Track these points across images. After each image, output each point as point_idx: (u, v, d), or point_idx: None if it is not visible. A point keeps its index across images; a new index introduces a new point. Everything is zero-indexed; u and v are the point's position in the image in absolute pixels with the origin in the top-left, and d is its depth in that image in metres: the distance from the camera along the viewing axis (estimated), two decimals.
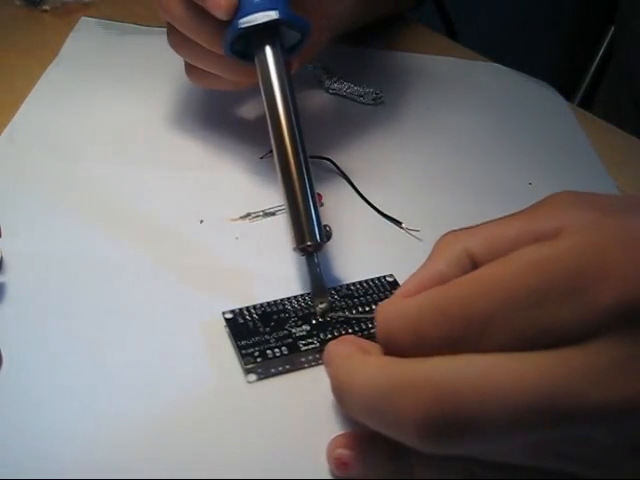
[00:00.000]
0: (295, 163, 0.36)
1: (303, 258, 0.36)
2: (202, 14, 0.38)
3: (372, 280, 0.37)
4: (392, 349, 0.26)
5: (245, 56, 0.39)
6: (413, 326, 0.25)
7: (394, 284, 0.37)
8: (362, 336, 0.33)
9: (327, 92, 0.54)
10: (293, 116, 0.38)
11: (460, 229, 0.29)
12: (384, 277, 0.37)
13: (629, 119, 0.70)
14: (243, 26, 0.37)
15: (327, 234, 0.37)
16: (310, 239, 0.35)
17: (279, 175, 0.37)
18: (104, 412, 0.30)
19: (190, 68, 0.44)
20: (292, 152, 0.37)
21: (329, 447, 0.29)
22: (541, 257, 0.23)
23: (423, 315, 0.25)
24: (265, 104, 0.38)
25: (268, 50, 0.38)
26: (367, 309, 0.35)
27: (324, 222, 0.41)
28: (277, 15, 0.37)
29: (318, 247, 0.35)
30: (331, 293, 0.36)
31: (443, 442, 0.23)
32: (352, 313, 0.35)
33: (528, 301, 0.23)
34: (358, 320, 0.35)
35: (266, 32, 0.38)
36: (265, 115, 0.38)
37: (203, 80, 0.45)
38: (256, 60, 0.39)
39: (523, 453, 0.25)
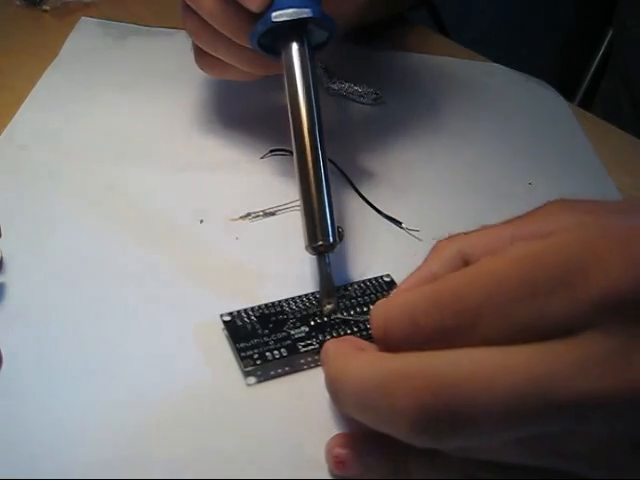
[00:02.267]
0: (313, 161, 0.37)
1: (306, 259, 0.36)
2: (232, 4, 0.38)
3: (369, 280, 0.37)
4: (387, 343, 0.26)
5: (266, 50, 0.40)
6: (408, 316, 0.25)
7: (391, 284, 0.37)
8: (361, 337, 0.33)
9: (327, 92, 0.54)
10: (315, 114, 0.38)
11: (456, 234, 0.29)
12: (381, 277, 0.37)
13: (628, 119, 0.70)
14: (276, 20, 0.37)
15: (339, 235, 0.37)
16: (322, 238, 0.35)
17: (296, 171, 0.37)
18: (104, 413, 0.30)
19: (202, 56, 0.44)
20: (311, 149, 0.37)
21: (327, 446, 0.29)
22: (532, 251, 0.24)
23: (417, 306, 0.25)
24: (288, 100, 0.38)
25: (295, 47, 0.39)
26: (365, 309, 0.35)
27: None
28: (310, 13, 0.37)
29: (330, 247, 0.35)
30: None
31: (436, 435, 0.23)
32: (350, 314, 0.35)
33: (518, 292, 0.23)
34: (357, 321, 0.35)
35: (296, 29, 0.38)
36: (287, 112, 0.39)
37: (215, 69, 0.45)
38: (283, 56, 0.39)
39: (521, 452, 0.25)
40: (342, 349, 0.28)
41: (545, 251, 0.24)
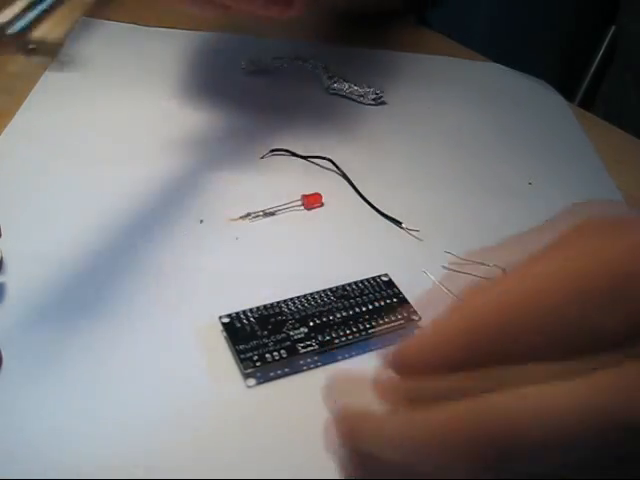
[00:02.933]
0: None
1: (305, 259, 0.36)
2: None
3: (367, 280, 0.37)
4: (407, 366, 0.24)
5: None
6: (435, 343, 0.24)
7: (389, 284, 0.37)
8: (360, 336, 0.33)
9: (327, 92, 0.54)
10: None
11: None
12: (379, 277, 0.37)
13: (629, 119, 0.69)
14: None
15: None
16: None
17: None
18: (103, 414, 0.30)
19: None
20: None
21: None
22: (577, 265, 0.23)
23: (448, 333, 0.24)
24: None
25: None
26: (363, 309, 0.35)
27: (325, 222, 0.41)
28: None
29: None
30: (327, 294, 0.36)
31: (491, 474, 0.22)
32: (351, 310, 0.35)
33: (567, 309, 0.22)
34: (355, 321, 0.34)
35: None
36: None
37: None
38: None
39: None
40: (359, 407, 0.26)
41: (592, 267, 0.22)
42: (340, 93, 0.54)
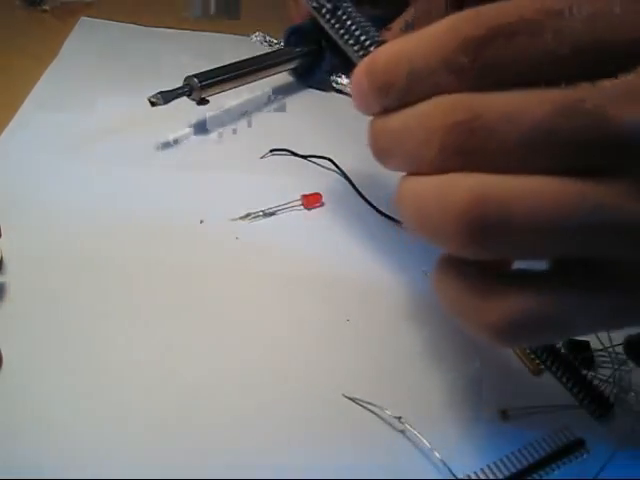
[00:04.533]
0: None
1: (305, 259, 0.36)
2: None
3: None
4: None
5: None
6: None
7: None
8: None
9: (332, 88, 0.54)
10: None
11: None
12: None
13: None
14: None
15: None
16: None
17: None
18: (104, 413, 0.30)
19: None
20: None
21: None
22: None
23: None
24: None
25: None
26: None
27: (324, 222, 0.41)
28: None
29: None
30: None
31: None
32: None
33: None
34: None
35: None
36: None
37: None
38: None
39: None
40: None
41: None
42: (345, 91, 0.54)
